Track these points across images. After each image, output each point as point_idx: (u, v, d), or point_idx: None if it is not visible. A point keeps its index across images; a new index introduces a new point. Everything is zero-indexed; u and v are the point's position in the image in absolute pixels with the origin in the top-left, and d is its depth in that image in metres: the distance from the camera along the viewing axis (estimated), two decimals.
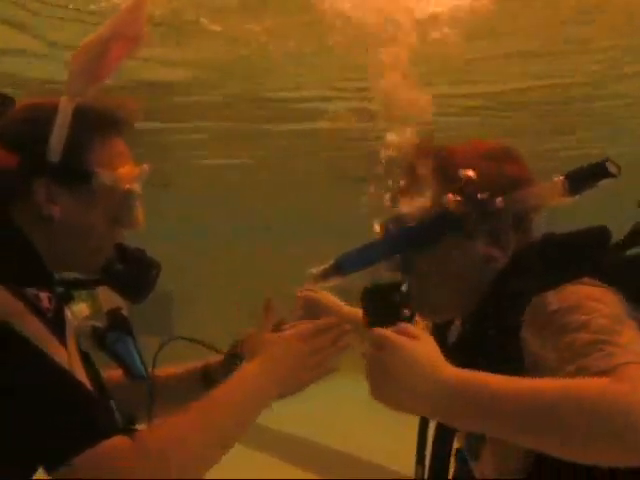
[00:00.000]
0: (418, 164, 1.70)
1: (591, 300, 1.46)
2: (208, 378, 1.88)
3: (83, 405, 1.43)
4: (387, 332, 1.40)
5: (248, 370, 1.60)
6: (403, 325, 1.43)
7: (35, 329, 1.42)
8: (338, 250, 1.76)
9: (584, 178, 1.61)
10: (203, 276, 13.83)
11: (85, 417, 1.42)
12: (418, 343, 1.39)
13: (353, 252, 1.73)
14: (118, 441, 1.42)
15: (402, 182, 1.73)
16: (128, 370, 1.74)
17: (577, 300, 1.46)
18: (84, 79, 1.56)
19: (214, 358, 1.92)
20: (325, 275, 1.75)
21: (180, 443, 1.45)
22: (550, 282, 1.51)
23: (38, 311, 1.45)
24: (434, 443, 1.65)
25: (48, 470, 1.43)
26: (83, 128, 1.58)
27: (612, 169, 1.59)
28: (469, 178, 1.65)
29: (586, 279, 1.51)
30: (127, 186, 1.62)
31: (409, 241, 1.68)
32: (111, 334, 1.74)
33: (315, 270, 1.76)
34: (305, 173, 11.50)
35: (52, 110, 1.56)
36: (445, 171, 1.67)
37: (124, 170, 1.62)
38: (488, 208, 1.62)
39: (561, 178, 1.62)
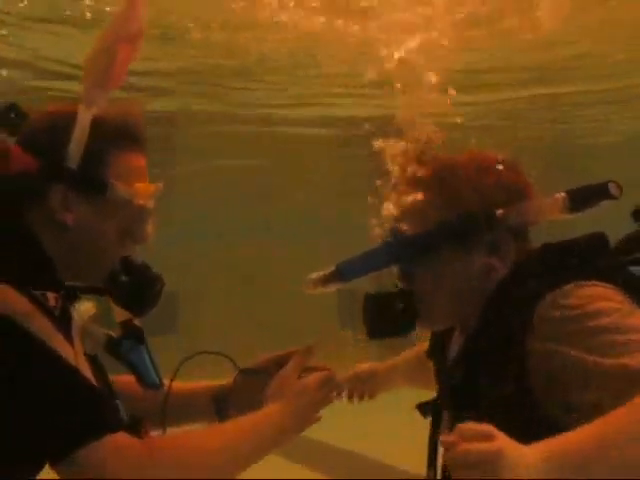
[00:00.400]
0: (419, 174, 1.72)
1: (603, 300, 1.49)
2: (218, 398, 1.91)
3: (89, 400, 1.46)
4: (474, 448, 1.23)
5: (275, 410, 1.68)
6: (472, 427, 1.26)
7: (41, 326, 1.45)
8: (338, 249, 1.77)
9: (585, 197, 1.63)
10: (205, 277, 13.80)
11: (90, 411, 1.45)
12: (501, 443, 1.25)
13: (354, 259, 1.74)
14: (123, 438, 1.45)
15: (403, 191, 1.73)
16: (142, 378, 1.76)
17: (592, 302, 1.49)
18: (99, 87, 1.59)
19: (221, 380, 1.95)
20: (325, 281, 1.76)
21: (189, 459, 1.50)
22: (553, 287, 1.53)
23: (45, 309, 1.48)
24: None
25: (52, 464, 1.45)
26: (101, 139, 1.60)
27: (614, 191, 1.60)
28: (469, 189, 1.66)
29: (588, 282, 1.54)
30: (141, 202, 1.64)
31: (409, 250, 1.69)
32: (125, 343, 1.76)
33: (315, 275, 1.77)
34: (306, 173, 11.50)
35: (72, 118, 1.59)
36: (445, 182, 1.69)
37: (139, 186, 1.64)
38: (488, 220, 1.64)
39: (562, 195, 1.63)
